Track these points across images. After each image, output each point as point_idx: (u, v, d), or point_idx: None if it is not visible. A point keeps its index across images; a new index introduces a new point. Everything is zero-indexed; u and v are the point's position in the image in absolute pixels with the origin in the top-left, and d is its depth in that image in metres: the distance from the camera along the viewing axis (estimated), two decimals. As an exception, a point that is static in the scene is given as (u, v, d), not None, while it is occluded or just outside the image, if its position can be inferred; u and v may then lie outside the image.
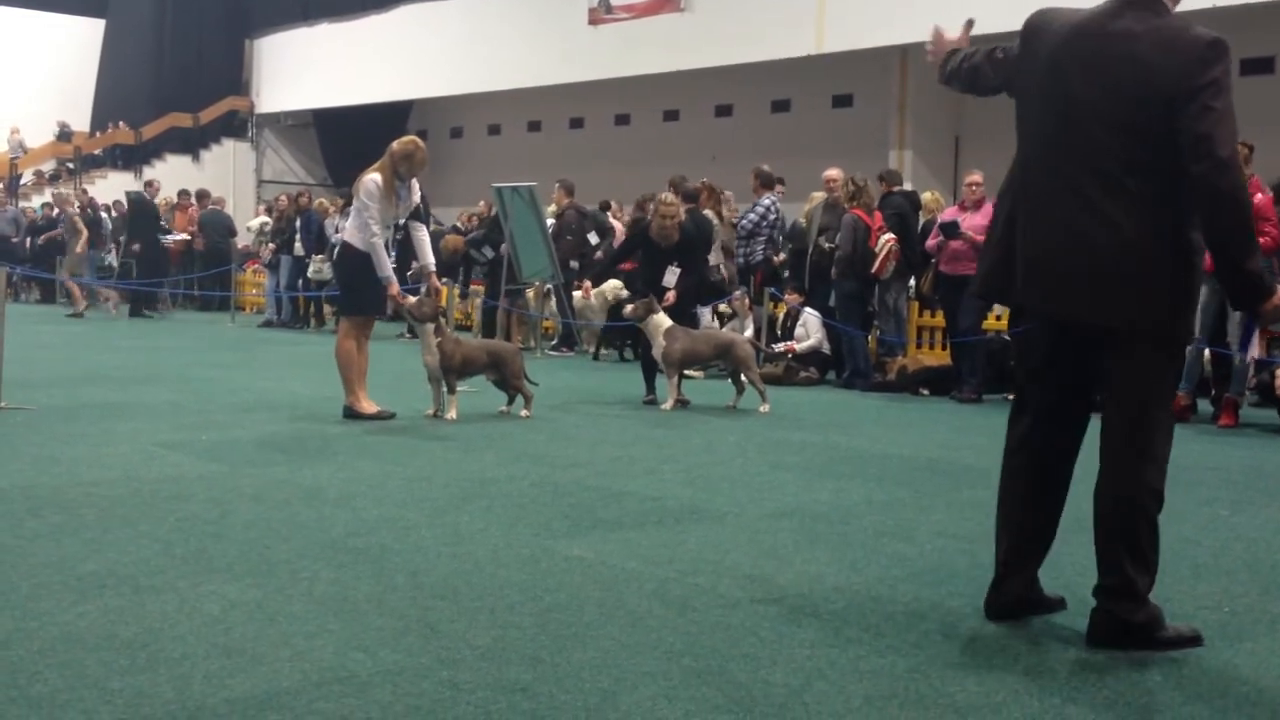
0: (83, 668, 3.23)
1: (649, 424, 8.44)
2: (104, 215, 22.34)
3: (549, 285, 14.42)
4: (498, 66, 23.71)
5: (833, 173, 11.95)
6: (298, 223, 17.45)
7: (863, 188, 11.48)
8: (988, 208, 10.62)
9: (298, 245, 17.40)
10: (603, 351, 14.02)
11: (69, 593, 3.92)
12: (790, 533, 5.11)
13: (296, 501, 5.44)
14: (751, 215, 13.19)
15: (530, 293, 14.74)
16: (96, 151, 30.24)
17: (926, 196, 12.78)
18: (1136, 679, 3.39)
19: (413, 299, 8.51)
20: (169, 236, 20.40)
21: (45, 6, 31.14)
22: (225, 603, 3.86)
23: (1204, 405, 9.96)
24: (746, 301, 12.91)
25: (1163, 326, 3.59)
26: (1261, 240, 7.31)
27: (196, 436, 7.20)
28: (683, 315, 9.65)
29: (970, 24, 4.26)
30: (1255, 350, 9.37)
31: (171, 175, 26.82)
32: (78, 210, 20.60)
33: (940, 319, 12.03)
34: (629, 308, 9.58)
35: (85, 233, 19.81)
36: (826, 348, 11.90)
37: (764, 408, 9.18)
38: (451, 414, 8.20)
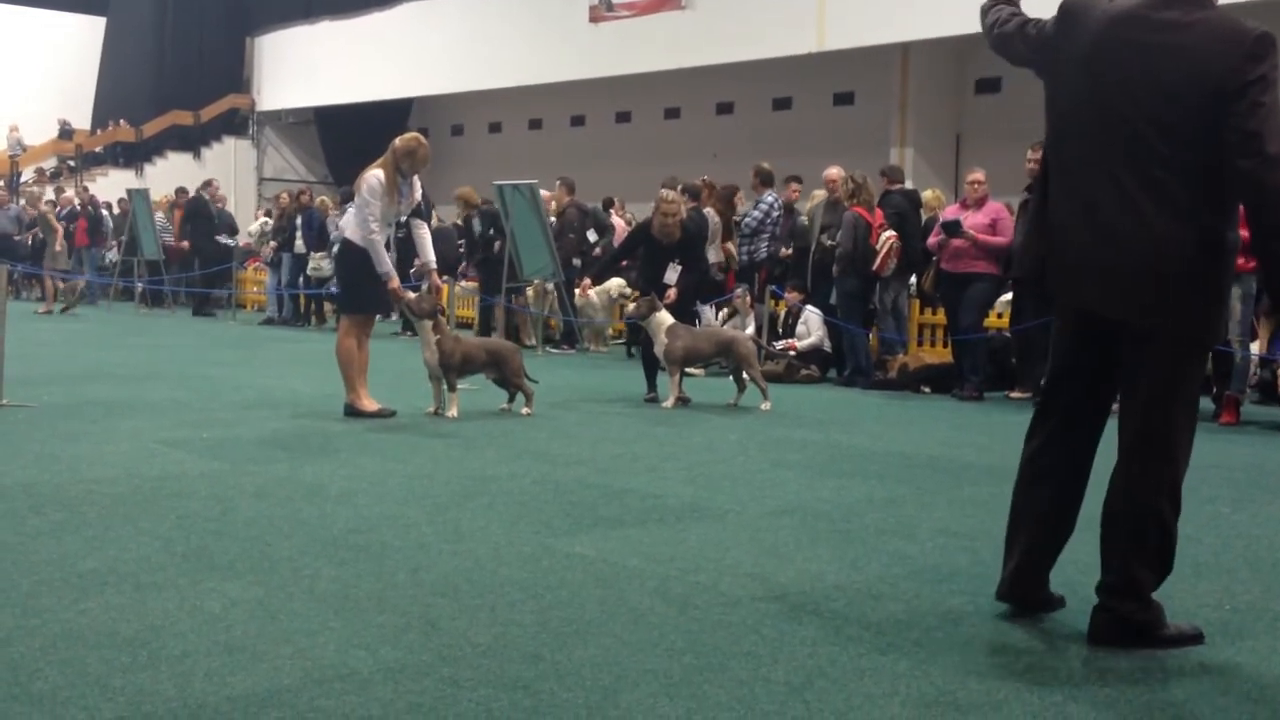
0: (84, 665, 3.24)
1: (650, 422, 8.44)
2: (104, 213, 22.37)
3: (550, 283, 14.41)
4: (499, 64, 23.71)
5: (832, 172, 11.94)
6: (299, 220, 17.48)
7: (862, 185, 11.46)
8: (989, 206, 10.61)
9: (299, 243, 17.41)
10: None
11: (70, 590, 3.92)
12: (791, 530, 5.10)
13: (298, 499, 5.44)
14: (755, 213, 13.14)
15: (530, 290, 14.73)
16: (97, 149, 30.27)
17: (927, 194, 12.78)
18: (1138, 677, 3.39)
19: (412, 295, 8.52)
20: (221, 238, 19.82)
21: (46, 4, 31.18)
22: (226, 600, 3.86)
23: (1205, 403, 9.96)
24: (748, 299, 12.90)
25: (1194, 327, 3.56)
26: None
27: (198, 434, 7.21)
28: (684, 313, 9.65)
29: None
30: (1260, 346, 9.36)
31: (172, 173, 26.85)
32: (50, 209, 20.75)
33: (941, 317, 12.01)
34: (631, 306, 9.56)
35: (60, 230, 19.93)
36: (828, 345, 11.89)
37: (765, 405, 9.17)
38: (452, 411, 8.21)
